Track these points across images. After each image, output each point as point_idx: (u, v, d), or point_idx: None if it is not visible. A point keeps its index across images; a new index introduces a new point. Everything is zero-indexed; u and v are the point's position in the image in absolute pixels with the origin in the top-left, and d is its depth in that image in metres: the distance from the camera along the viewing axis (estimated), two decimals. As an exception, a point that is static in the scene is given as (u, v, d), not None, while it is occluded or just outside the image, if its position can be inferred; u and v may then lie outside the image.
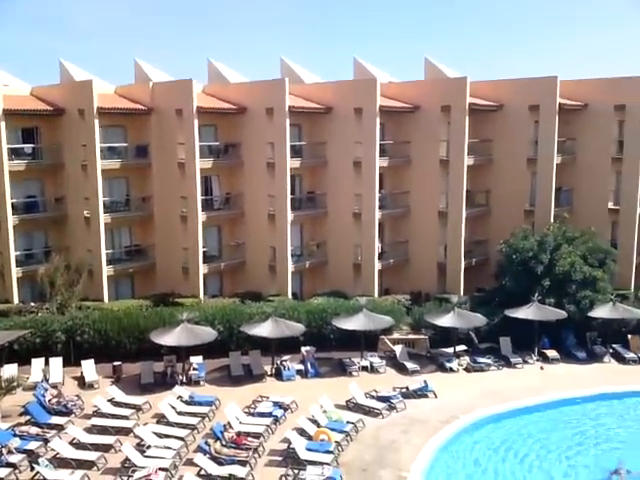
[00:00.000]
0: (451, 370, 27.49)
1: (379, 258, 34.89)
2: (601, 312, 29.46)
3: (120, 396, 23.88)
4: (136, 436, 20.86)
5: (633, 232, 35.82)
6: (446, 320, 28.35)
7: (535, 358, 28.76)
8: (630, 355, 29.15)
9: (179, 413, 22.74)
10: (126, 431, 21.45)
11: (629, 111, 35.53)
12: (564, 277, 29.89)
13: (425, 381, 25.42)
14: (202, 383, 25.88)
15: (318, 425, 21.68)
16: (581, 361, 28.84)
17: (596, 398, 25.40)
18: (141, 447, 20.11)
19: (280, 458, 20.05)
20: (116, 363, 26.34)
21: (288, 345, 27.34)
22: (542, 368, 28.08)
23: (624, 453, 21.24)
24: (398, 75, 40.22)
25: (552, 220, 34.26)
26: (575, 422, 23.78)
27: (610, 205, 36.83)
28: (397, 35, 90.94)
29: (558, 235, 31.47)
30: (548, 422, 23.69)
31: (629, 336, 30.07)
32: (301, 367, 27.13)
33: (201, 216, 32.79)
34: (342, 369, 27.34)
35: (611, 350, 29.56)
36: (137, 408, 23.26)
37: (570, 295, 29.77)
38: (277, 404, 23.48)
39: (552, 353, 28.97)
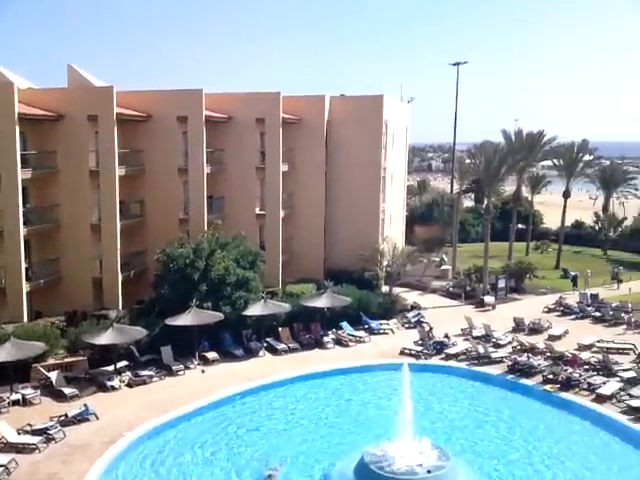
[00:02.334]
0: (113, 388, 26.63)
1: (27, 279, 32.04)
2: (254, 310, 31.61)
3: None
4: None
5: (277, 234, 39.39)
6: (105, 337, 27.36)
7: (196, 362, 29.58)
8: (281, 346, 31.86)
9: None
10: None
11: (268, 124, 38.92)
12: (220, 281, 31.33)
13: (85, 404, 24.21)
14: None
15: (-41, 477, 19.03)
16: (239, 358, 30.51)
17: (253, 392, 27.17)
18: None
19: None
20: None
21: None
22: (203, 371, 29.02)
23: (278, 443, 23.17)
24: (41, 83, 37.70)
25: (206, 227, 35.68)
26: (235, 418, 25.03)
27: (257, 210, 39.91)
28: (40, 42, 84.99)
29: (212, 241, 32.80)
30: (211, 423, 24.53)
31: (280, 329, 32.84)
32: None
33: None
34: (-12, 408, 24.42)
35: (265, 344, 31.91)
36: None
37: (226, 297, 31.34)
38: None
39: (212, 355, 30.13)
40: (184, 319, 29.31)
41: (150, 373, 27.90)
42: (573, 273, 47.68)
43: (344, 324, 34.34)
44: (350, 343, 33.05)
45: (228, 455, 22.20)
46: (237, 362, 30.19)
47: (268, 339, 32.26)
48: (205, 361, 29.82)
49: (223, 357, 30.37)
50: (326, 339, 32.88)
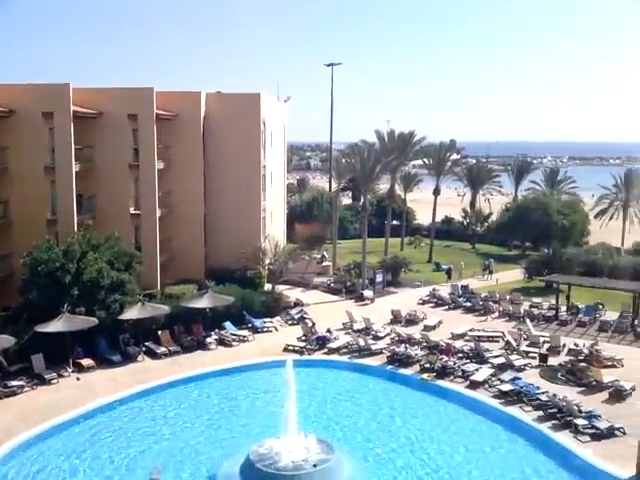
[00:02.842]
0: (-23, 402, 24.77)
1: None
2: (131, 313, 30.46)
3: None
4: None
5: (155, 234, 38.10)
6: (-33, 348, 25.36)
7: (70, 370, 28.09)
8: (162, 350, 30.92)
9: None
10: None
11: (141, 120, 37.60)
12: (93, 284, 29.91)
13: (-55, 422, 22.29)
14: None
15: None
16: (116, 364, 29.30)
17: (132, 398, 26.19)
18: None
19: None
20: None
21: None
22: (78, 379, 27.59)
23: (161, 447, 22.52)
24: None
25: (76, 228, 33.85)
26: (113, 426, 23.99)
27: (132, 210, 38.43)
28: None
29: (83, 243, 31.24)
30: (87, 433, 23.38)
31: (159, 332, 31.87)
32: None
33: None
34: None
35: (144, 348, 30.84)
36: None
37: (100, 301, 30.00)
38: None
39: (87, 362, 28.74)
40: (55, 325, 27.69)
41: (20, 383, 26.21)
42: (445, 266, 50.13)
43: (227, 324, 33.93)
44: (233, 343, 32.70)
45: (103, 464, 21.22)
46: (115, 368, 28.96)
47: (147, 343, 31.21)
48: (80, 368, 28.37)
49: (99, 364, 29.06)
50: (209, 340, 32.32)
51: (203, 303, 32.94)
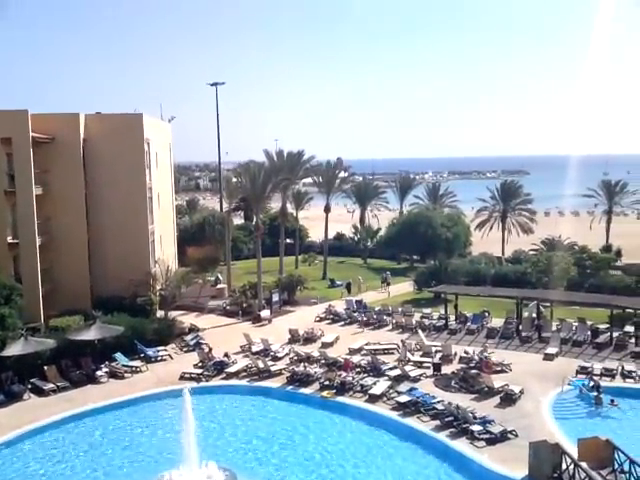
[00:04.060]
0: None
1: None
2: (13, 349, 28.72)
3: None
4: None
5: (35, 264, 35.87)
6: None
7: (-55, 417, 25.85)
8: (49, 386, 29.21)
9: None
10: None
11: (16, 144, 35.49)
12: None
13: None
14: None
15: None
16: (0, 404, 27.41)
17: (19, 440, 24.58)
18: None
19: None
20: None
21: None
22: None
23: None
24: None
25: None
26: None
27: (10, 239, 36.06)
28: None
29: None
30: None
31: (45, 367, 30.10)
32: None
33: None
34: None
35: (30, 385, 29.05)
36: None
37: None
38: None
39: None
40: None
41: None
42: (340, 282, 50.87)
43: (118, 355, 32.47)
44: (126, 374, 31.36)
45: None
46: (-3, 410, 27.00)
47: (33, 380, 29.43)
48: (-43, 413, 26.20)
49: (-20, 406, 27.02)
50: (99, 373, 30.83)
51: (91, 335, 31.42)
